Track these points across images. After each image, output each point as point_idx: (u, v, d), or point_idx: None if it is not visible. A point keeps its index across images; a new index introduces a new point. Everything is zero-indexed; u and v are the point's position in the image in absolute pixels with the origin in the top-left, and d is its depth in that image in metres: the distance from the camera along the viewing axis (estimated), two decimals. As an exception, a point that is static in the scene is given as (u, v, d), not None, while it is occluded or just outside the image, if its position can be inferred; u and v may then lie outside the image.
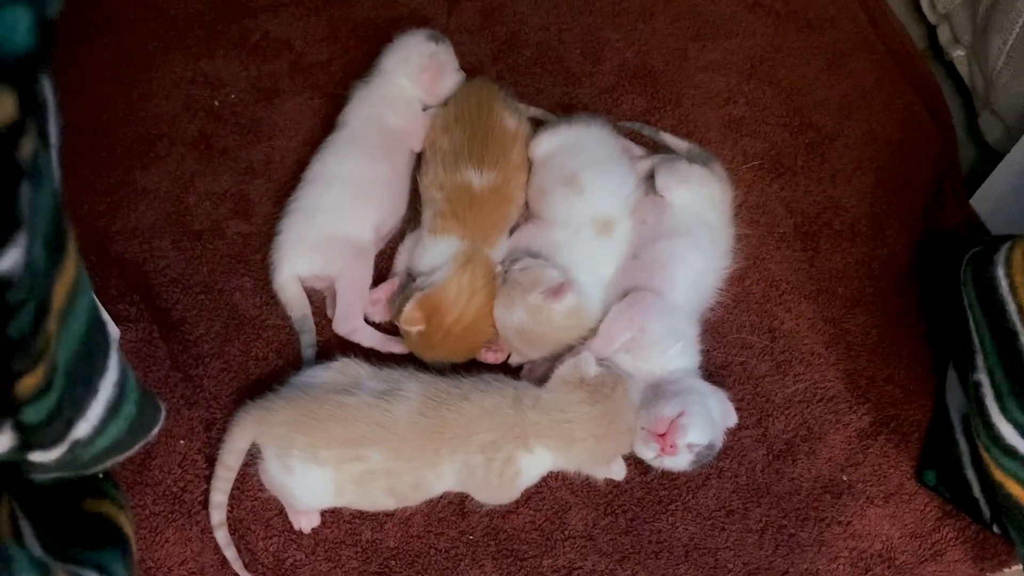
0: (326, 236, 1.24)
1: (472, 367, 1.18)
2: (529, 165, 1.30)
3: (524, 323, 1.16)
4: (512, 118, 1.31)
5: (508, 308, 1.17)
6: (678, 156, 1.34)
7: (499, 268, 1.22)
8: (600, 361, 1.11)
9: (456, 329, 1.17)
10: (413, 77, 1.34)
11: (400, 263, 1.29)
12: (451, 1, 1.56)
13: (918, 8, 1.59)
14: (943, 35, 1.53)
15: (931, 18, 1.56)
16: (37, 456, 0.67)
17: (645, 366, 1.13)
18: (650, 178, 1.28)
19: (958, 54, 1.48)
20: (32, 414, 0.61)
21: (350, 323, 1.23)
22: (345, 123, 1.34)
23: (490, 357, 1.23)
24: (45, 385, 0.60)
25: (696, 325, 1.20)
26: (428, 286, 1.18)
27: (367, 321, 1.25)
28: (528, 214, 1.29)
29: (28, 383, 0.58)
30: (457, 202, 1.22)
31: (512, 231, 1.28)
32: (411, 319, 1.15)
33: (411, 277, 1.25)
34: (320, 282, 1.26)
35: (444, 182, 1.25)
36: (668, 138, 1.40)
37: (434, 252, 1.22)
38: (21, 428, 0.62)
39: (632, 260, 1.22)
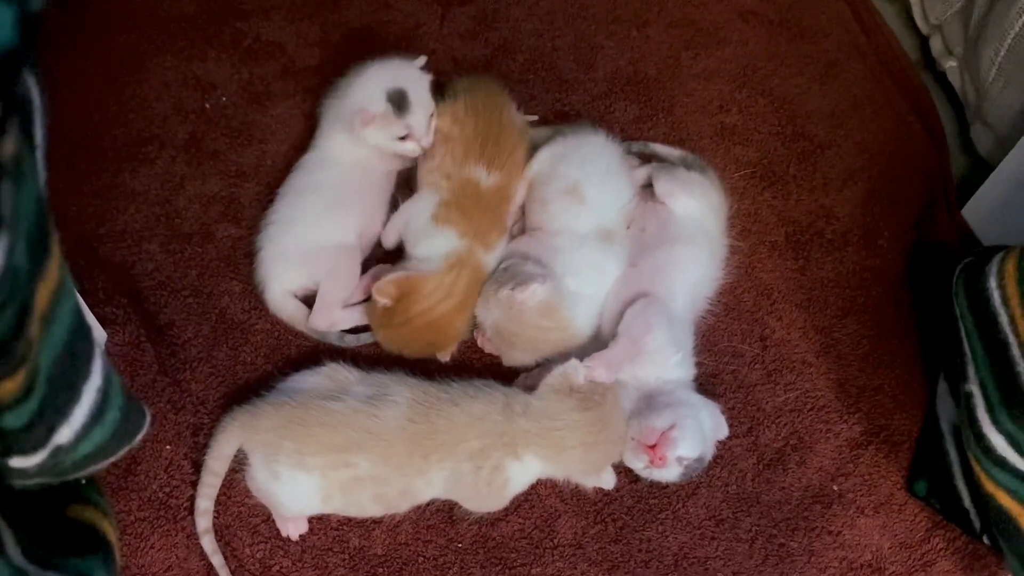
0: (307, 247, 1.23)
1: (462, 372, 1.17)
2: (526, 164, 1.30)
3: (499, 320, 1.16)
4: (518, 115, 1.31)
5: (485, 305, 1.18)
6: (674, 164, 1.34)
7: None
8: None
9: (418, 321, 1.17)
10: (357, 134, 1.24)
11: (390, 234, 1.27)
12: (444, 7, 1.56)
13: (911, 19, 1.60)
14: (935, 46, 1.53)
15: (923, 29, 1.57)
16: (18, 462, 0.66)
17: (642, 373, 1.13)
18: (648, 186, 1.28)
19: (950, 65, 1.49)
20: (12, 419, 0.60)
21: (328, 318, 1.22)
22: (317, 147, 1.31)
23: (487, 346, 1.23)
24: (26, 390, 0.59)
25: (692, 337, 1.20)
26: (413, 269, 1.18)
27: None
28: (524, 224, 1.29)
29: (8, 388, 0.57)
30: (463, 195, 1.22)
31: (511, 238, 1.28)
32: (383, 290, 1.16)
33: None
34: (313, 291, 1.25)
35: (452, 173, 1.23)
36: (660, 148, 1.39)
37: (433, 241, 1.21)
38: (1, 434, 0.62)
39: (631, 268, 1.22)
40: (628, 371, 1.13)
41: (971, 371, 1.02)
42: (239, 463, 1.08)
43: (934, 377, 1.21)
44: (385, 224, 1.29)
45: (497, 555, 1.11)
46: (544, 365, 1.19)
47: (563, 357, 1.12)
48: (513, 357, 1.20)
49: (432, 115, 1.24)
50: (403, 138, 1.22)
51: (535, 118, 1.40)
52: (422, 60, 1.26)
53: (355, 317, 1.23)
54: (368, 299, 1.21)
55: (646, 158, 1.37)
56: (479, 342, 1.23)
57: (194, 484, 1.11)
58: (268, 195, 1.34)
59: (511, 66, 1.50)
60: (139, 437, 0.82)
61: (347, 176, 1.27)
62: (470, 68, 1.49)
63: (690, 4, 1.58)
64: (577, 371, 1.07)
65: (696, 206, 1.24)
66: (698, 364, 1.19)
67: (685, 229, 1.22)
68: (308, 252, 1.22)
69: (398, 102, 1.20)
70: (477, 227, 1.21)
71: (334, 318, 1.22)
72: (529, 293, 1.13)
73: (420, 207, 1.24)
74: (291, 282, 1.23)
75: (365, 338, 1.23)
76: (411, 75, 1.23)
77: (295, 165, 1.31)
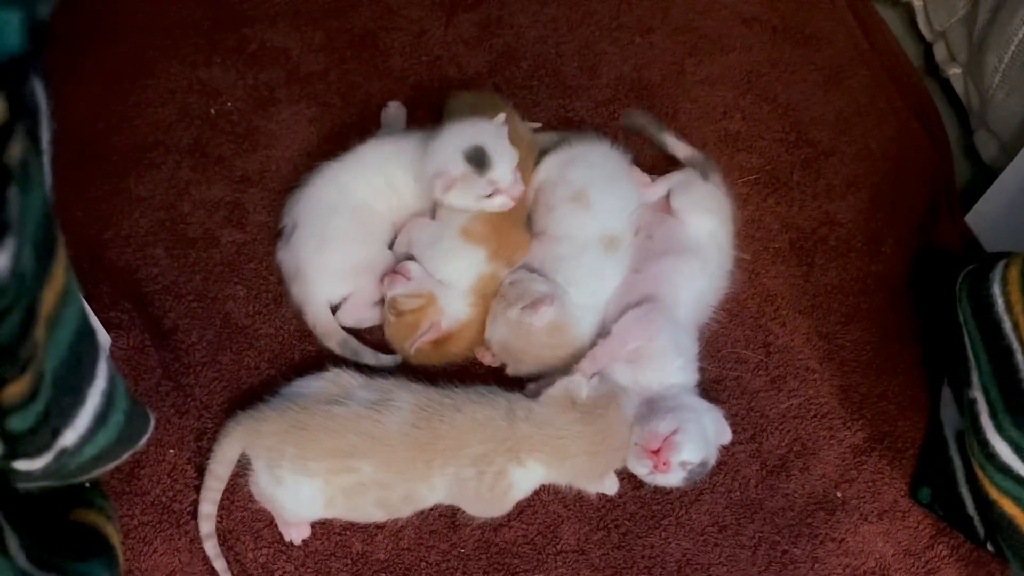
0: (356, 263, 1.24)
1: (465, 376, 1.18)
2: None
3: (507, 338, 1.17)
4: (523, 126, 1.31)
5: (493, 322, 1.19)
6: (691, 176, 1.31)
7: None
8: (595, 374, 1.11)
9: (448, 351, 1.21)
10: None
11: (402, 244, 1.27)
12: (449, 13, 1.56)
13: (914, 26, 1.60)
14: (939, 53, 1.53)
15: (927, 36, 1.57)
16: (22, 465, 0.66)
17: (644, 379, 1.13)
18: (664, 197, 1.28)
19: (954, 72, 1.49)
20: (18, 422, 0.61)
21: (356, 316, 1.25)
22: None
23: (486, 358, 1.23)
24: (31, 393, 0.59)
25: (696, 343, 1.20)
26: (447, 317, 1.19)
27: (350, 330, 1.25)
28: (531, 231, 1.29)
29: (14, 391, 0.58)
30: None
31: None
32: (423, 350, 1.19)
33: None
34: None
35: None
36: (671, 140, 1.39)
37: (460, 264, 1.21)
38: (6, 436, 0.62)
39: (635, 274, 1.22)
40: (630, 376, 1.13)
41: (975, 377, 1.02)
42: (242, 468, 1.08)
43: (938, 383, 1.21)
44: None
45: (500, 561, 1.11)
46: (550, 375, 1.19)
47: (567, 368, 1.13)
48: (519, 370, 1.20)
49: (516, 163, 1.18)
50: (490, 195, 1.16)
51: (538, 125, 1.41)
52: (501, 118, 1.20)
53: (378, 316, 1.25)
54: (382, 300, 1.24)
55: (638, 131, 1.39)
56: (479, 355, 1.24)
57: (197, 488, 1.11)
58: (273, 200, 1.34)
59: (515, 72, 1.51)
60: (143, 441, 0.82)
61: (382, 196, 1.27)
62: (474, 74, 1.50)
63: (694, 11, 1.59)
64: (580, 387, 1.07)
65: (711, 222, 1.25)
66: (702, 370, 1.19)
67: (694, 240, 1.23)
68: (357, 267, 1.24)
69: (478, 160, 1.14)
70: (505, 242, 1.21)
71: (361, 316, 1.25)
72: (539, 316, 1.14)
73: (446, 220, 1.23)
74: (336, 294, 1.25)
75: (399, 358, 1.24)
76: (486, 130, 1.18)
77: (323, 166, 1.28)
